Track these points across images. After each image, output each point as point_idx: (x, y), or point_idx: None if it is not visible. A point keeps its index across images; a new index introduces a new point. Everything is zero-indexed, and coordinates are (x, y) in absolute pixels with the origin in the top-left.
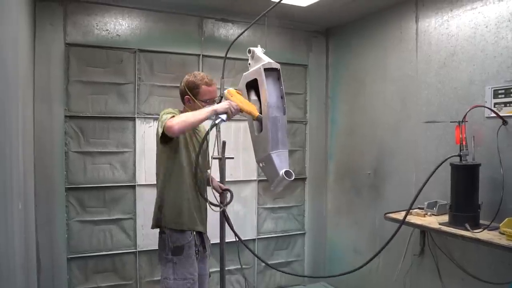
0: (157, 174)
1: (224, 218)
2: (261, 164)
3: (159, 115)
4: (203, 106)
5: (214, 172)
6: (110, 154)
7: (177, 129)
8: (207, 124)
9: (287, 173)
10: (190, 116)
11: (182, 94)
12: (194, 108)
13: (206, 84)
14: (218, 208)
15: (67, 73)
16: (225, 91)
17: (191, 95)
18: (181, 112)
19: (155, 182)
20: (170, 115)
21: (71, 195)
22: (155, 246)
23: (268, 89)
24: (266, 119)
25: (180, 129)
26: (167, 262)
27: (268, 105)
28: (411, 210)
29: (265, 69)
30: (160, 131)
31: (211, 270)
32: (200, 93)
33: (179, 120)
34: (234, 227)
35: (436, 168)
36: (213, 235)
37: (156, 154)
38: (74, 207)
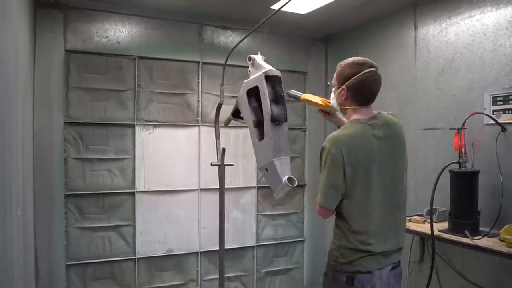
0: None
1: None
2: (263, 171)
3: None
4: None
5: (214, 178)
6: (109, 160)
7: None
8: None
9: (289, 179)
10: None
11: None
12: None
13: None
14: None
15: (67, 79)
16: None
17: None
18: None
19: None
20: None
21: (70, 201)
22: (153, 253)
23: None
24: (268, 126)
25: None
26: None
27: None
28: (410, 217)
29: (266, 76)
30: None
31: (209, 277)
32: None
33: None
34: (234, 234)
35: (439, 176)
36: (213, 243)
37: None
38: (73, 213)
